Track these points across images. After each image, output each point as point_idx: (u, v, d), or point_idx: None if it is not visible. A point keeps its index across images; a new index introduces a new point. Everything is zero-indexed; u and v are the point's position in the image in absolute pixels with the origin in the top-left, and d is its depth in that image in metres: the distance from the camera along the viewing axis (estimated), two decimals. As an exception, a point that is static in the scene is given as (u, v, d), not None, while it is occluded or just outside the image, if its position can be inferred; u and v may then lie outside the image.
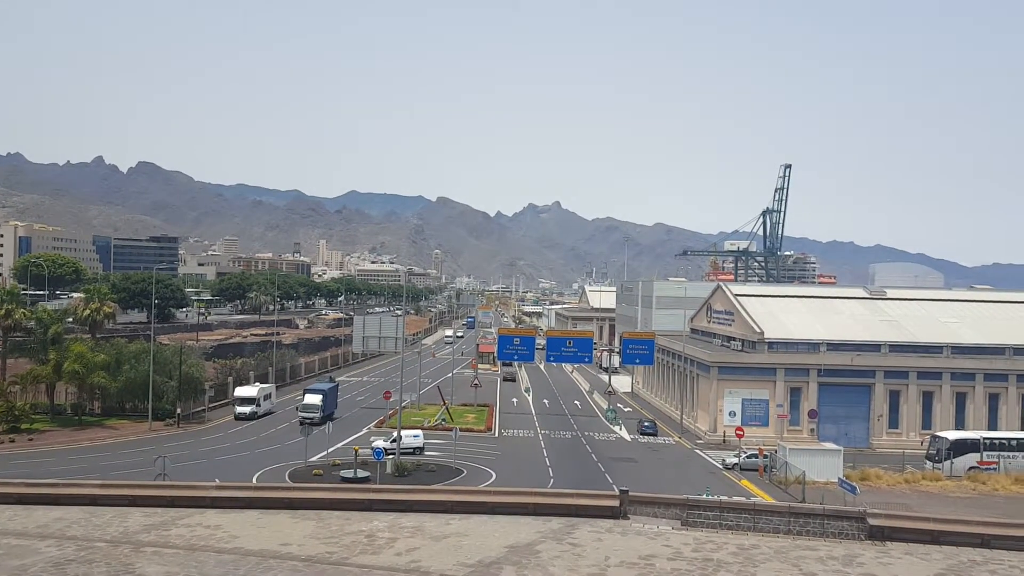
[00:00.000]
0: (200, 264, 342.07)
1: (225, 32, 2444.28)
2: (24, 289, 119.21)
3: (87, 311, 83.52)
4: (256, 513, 12.34)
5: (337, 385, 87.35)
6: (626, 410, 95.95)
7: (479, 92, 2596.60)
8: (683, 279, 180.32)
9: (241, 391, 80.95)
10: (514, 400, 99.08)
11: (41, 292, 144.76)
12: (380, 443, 61.17)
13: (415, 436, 63.31)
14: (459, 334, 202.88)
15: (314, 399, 76.24)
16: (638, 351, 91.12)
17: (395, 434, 62.63)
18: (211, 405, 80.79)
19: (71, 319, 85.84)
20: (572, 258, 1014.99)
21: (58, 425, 70.41)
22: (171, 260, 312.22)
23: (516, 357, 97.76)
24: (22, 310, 77.82)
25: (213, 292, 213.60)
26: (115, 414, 75.35)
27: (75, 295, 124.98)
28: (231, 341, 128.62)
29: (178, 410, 73.59)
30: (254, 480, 49.92)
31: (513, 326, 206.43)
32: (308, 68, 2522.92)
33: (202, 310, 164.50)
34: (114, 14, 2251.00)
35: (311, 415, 74.13)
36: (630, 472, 59.57)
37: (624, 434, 78.97)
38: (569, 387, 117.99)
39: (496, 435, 74.79)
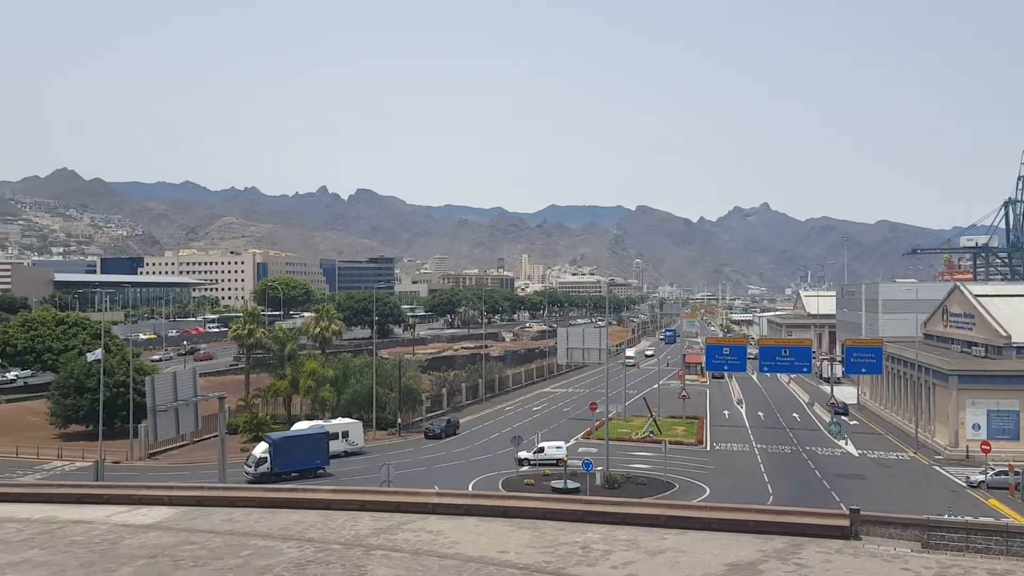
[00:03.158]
0: (414, 282, 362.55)
1: (427, 68, 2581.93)
2: (263, 310, 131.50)
3: (317, 329, 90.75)
4: (474, 520, 12.62)
5: (323, 433, 62.75)
6: (852, 423, 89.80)
7: (676, 96, 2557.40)
8: (913, 280, 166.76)
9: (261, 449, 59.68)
10: (725, 412, 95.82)
11: (277, 312, 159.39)
12: (523, 454, 62.33)
13: (557, 448, 63.00)
14: (648, 352, 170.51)
15: (259, 449, 59.13)
16: (864, 360, 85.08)
17: (537, 445, 62.74)
18: (428, 415, 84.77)
19: (305, 337, 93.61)
20: (784, 262, 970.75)
21: (295, 434, 76.79)
22: (388, 279, 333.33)
23: (726, 367, 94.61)
24: (262, 330, 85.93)
25: (426, 308, 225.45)
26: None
27: (306, 314, 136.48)
28: (443, 354, 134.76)
29: (399, 420, 77.92)
30: (470, 488, 51.79)
31: (721, 335, 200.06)
32: (503, 91, 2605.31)
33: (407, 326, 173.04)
34: (327, 62, 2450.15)
35: (249, 469, 57.25)
36: (859, 490, 55.61)
37: (851, 449, 73.92)
38: (786, 399, 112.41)
39: (708, 448, 72.63)
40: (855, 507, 13.17)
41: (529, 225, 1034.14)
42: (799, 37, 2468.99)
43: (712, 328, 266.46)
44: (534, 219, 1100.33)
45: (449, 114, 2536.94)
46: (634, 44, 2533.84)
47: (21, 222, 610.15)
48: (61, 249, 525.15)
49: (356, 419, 72.37)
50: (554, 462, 61.02)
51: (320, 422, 68.41)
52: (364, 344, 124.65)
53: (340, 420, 70.32)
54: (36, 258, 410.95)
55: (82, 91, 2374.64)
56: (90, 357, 63.12)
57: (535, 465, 59.99)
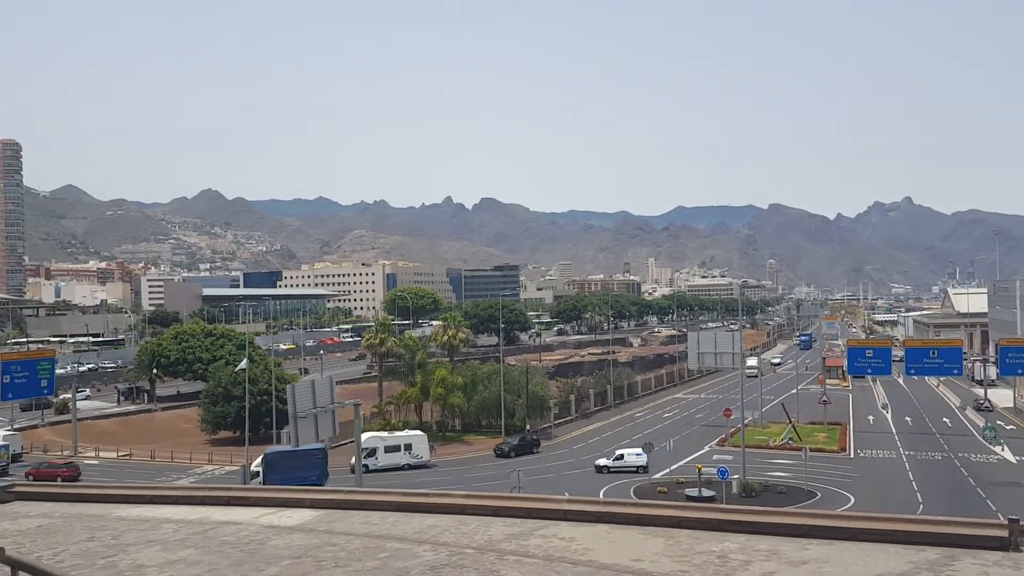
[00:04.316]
0: (539, 289, 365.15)
1: (548, 74, 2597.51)
2: (393, 320, 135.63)
3: (445, 337, 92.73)
4: (606, 527, 12.43)
5: (321, 448, 55.26)
6: (1008, 428, 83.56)
7: (807, 88, 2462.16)
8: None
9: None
10: (870, 418, 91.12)
11: (406, 322, 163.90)
12: (602, 461, 61.73)
13: (638, 455, 61.24)
14: (775, 360, 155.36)
15: (255, 464, 57.45)
16: (1020, 360, 79.10)
17: (617, 452, 61.48)
18: (556, 422, 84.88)
19: (433, 345, 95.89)
20: (929, 259, 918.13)
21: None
22: (513, 287, 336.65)
23: (869, 371, 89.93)
24: (393, 339, 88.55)
25: (552, 314, 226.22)
26: (472, 430, 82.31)
27: (434, 323, 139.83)
28: (570, 361, 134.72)
29: (527, 426, 78.47)
30: (601, 495, 51.41)
31: (863, 337, 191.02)
32: (625, 95, 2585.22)
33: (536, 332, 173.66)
34: (451, 76, 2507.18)
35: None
36: (1018, 498, 51.58)
37: (1008, 455, 68.74)
38: (935, 403, 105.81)
39: (851, 456, 69.22)
40: (1014, 516, 12.17)
41: (655, 228, 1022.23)
42: (940, 20, 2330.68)
43: (853, 329, 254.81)
44: (660, 221, 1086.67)
45: (571, 120, 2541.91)
46: (762, 37, 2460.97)
47: (172, 241, 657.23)
48: (208, 265, 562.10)
49: (421, 431, 71.97)
50: (634, 469, 60.30)
51: (383, 433, 68.59)
52: (491, 351, 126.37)
53: (404, 432, 69.87)
54: (186, 274, 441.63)
55: (225, 115, 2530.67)
56: (238, 367, 66.87)
57: (614, 472, 59.29)
